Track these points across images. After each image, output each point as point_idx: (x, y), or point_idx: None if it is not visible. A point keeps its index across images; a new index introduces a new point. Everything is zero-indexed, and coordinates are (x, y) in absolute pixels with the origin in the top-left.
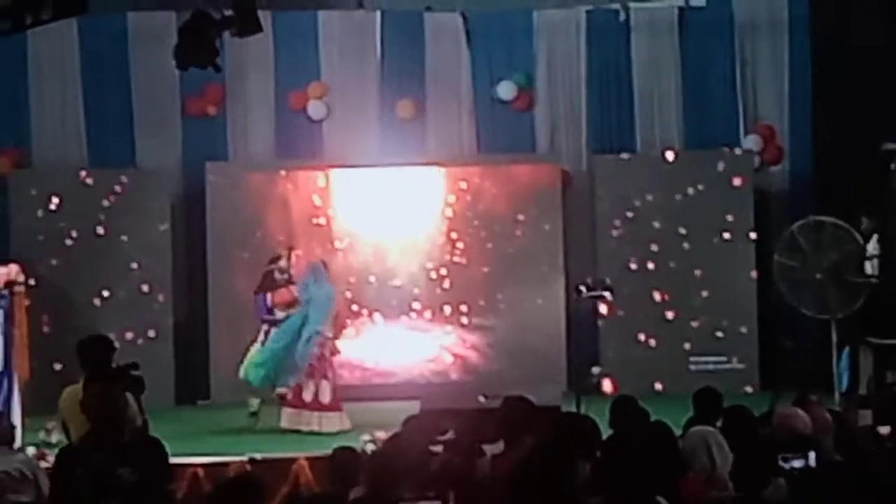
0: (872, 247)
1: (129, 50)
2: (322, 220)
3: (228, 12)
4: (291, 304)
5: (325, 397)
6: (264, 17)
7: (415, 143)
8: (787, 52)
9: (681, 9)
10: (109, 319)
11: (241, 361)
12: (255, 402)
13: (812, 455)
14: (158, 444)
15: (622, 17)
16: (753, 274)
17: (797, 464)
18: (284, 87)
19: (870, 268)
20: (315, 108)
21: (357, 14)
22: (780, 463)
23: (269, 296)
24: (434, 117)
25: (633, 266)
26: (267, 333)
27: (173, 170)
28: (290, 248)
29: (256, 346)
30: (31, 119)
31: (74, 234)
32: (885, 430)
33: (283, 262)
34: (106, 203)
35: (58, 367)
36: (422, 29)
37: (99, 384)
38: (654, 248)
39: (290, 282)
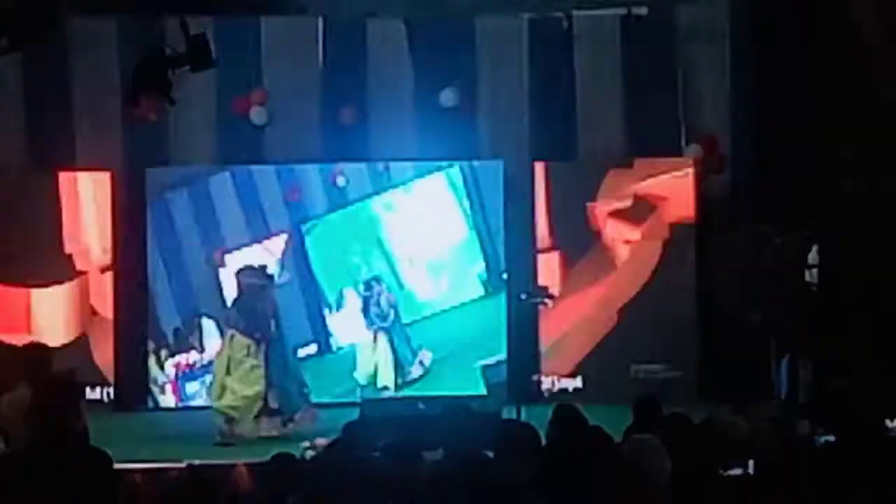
0: (813, 256)
1: (68, 53)
2: None
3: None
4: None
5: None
6: (206, 23)
7: (357, 148)
8: (729, 60)
9: (623, 17)
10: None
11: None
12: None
13: (751, 462)
14: (104, 455)
15: (565, 25)
16: (693, 281)
17: (736, 471)
18: (226, 93)
19: (809, 276)
20: (257, 114)
21: (299, 20)
22: (720, 471)
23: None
24: (376, 124)
25: (574, 272)
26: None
27: (114, 175)
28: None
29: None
30: None
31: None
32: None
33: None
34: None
35: None
36: (364, 35)
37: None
38: (596, 255)
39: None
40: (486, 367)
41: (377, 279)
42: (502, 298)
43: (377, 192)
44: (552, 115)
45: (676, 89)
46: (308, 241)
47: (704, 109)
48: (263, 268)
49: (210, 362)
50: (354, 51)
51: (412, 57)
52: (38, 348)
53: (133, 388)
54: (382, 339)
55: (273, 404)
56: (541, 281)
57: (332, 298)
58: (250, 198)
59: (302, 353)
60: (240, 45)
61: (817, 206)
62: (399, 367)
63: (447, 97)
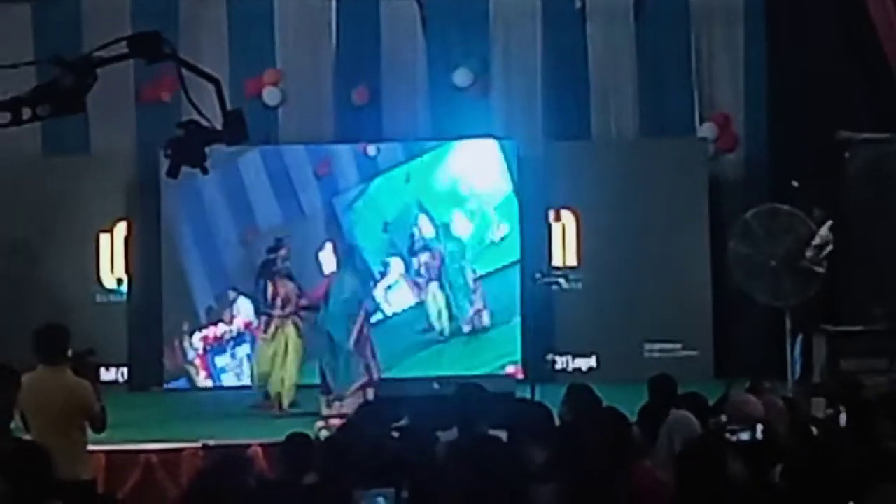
0: (825, 234)
1: (82, 34)
2: None
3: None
4: (288, 302)
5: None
6: (219, 3)
7: (370, 129)
8: (743, 40)
9: None
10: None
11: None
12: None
13: (759, 427)
14: (41, 453)
15: (578, 4)
16: (708, 261)
17: (744, 436)
18: (239, 74)
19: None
20: (270, 95)
21: (312, 0)
22: (728, 436)
23: (269, 286)
24: (390, 104)
25: (588, 252)
26: (267, 327)
27: (127, 155)
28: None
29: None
30: None
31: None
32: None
33: (283, 252)
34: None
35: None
36: (377, 15)
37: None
38: (610, 234)
39: (289, 273)
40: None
41: (421, 239)
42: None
43: (410, 159)
44: (565, 94)
45: (690, 68)
46: (345, 217)
47: (718, 88)
48: None
49: (239, 333)
50: (368, 31)
51: (425, 37)
52: (55, 329)
53: (148, 368)
54: (434, 288)
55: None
56: (555, 262)
57: (376, 269)
58: (280, 176)
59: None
60: (253, 25)
61: (829, 185)
62: (452, 315)
63: (460, 77)
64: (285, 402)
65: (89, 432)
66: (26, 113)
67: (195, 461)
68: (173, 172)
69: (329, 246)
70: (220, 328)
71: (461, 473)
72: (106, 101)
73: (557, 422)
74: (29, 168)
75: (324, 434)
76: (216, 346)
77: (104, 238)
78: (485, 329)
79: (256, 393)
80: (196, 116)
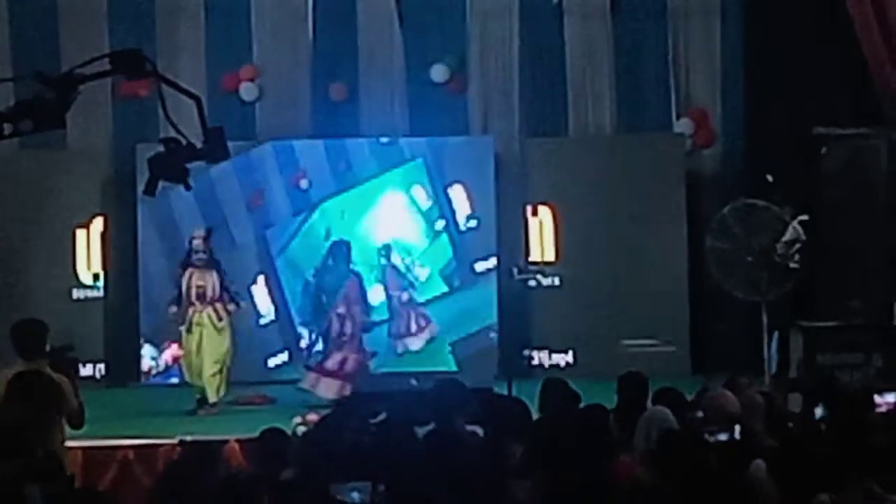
0: (792, 232)
1: (59, 30)
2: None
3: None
4: (202, 296)
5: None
6: None
7: (347, 125)
8: (720, 36)
9: None
10: (42, 298)
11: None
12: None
13: (737, 428)
14: (61, 463)
15: (555, 0)
16: (685, 256)
17: (722, 437)
18: (216, 69)
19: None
20: (247, 90)
21: None
22: (706, 437)
23: (183, 277)
24: (367, 100)
25: (565, 248)
26: (184, 319)
27: (104, 151)
28: (208, 229)
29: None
30: None
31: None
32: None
33: (196, 242)
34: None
35: None
36: (354, 11)
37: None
38: (587, 230)
39: (210, 264)
40: (454, 344)
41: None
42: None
43: (338, 193)
44: (542, 90)
45: (667, 64)
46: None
47: (695, 84)
48: None
49: None
50: (345, 26)
51: (402, 33)
52: (32, 324)
53: (125, 363)
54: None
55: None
56: (532, 258)
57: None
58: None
59: None
60: (230, 21)
61: (807, 180)
62: None
63: (437, 73)
64: (211, 397)
65: (67, 428)
66: (7, 128)
67: (172, 457)
68: (151, 189)
69: (261, 279)
70: None
71: (438, 468)
72: (83, 97)
73: (535, 417)
74: (5, 163)
75: (301, 430)
76: None
77: (80, 234)
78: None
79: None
80: (175, 134)
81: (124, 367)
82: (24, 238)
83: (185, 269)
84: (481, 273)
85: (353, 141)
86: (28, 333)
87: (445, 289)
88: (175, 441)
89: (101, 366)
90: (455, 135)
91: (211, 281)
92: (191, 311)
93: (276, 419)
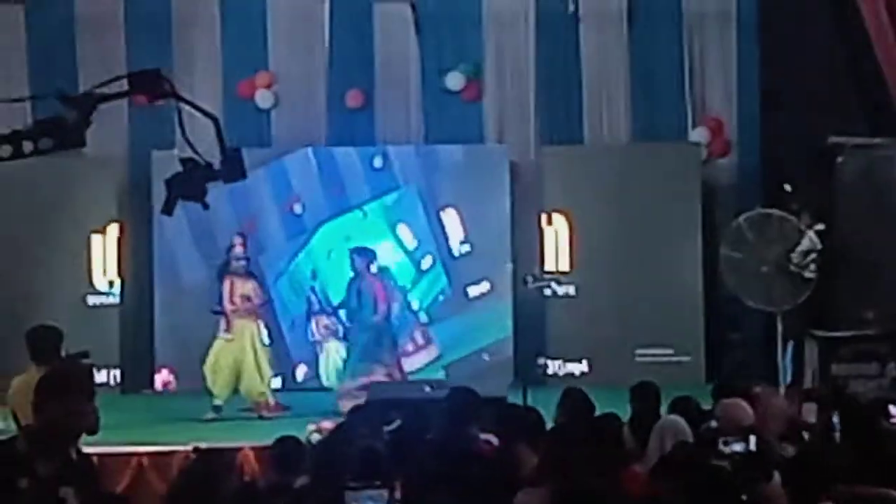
0: (808, 241)
1: (76, 37)
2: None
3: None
4: (248, 304)
5: None
6: (212, 5)
7: (363, 133)
8: (736, 45)
9: (630, 0)
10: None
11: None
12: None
13: (753, 439)
14: (93, 465)
15: (571, 8)
16: (700, 265)
17: (737, 447)
18: (232, 76)
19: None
20: (263, 98)
21: (305, 2)
22: (721, 447)
23: (225, 286)
24: (382, 107)
25: (580, 257)
26: (228, 326)
27: (120, 158)
28: (243, 235)
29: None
30: None
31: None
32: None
33: (237, 249)
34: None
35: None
36: (370, 18)
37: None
38: (602, 239)
39: (248, 271)
40: (448, 367)
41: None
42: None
43: (333, 218)
44: (558, 98)
45: (683, 73)
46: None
47: (711, 93)
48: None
49: None
50: (361, 34)
51: (418, 40)
52: (47, 330)
53: (139, 370)
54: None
55: None
56: (547, 266)
57: None
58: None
59: None
60: (245, 27)
61: (820, 190)
62: None
63: (453, 81)
64: (271, 399)
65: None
66: (28, 146)
67: (186, 464)
68: (168, 209)
69: None
70: None
71: (451, 477)
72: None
73: (549, 426)
74: (21, 169)
75: (315, 438)
76: None
77: (96, 240)
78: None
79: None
80: (192, 154)
81: (139, 374)
82: (41, 244)
83: (223, 278)
84: (475, 298)
85: (347, 158)
86: (42, 339)
87: (426, 320)
88: (189, 448)
89: (116, 372)
90: (470, 143)
91: (253, 288)
92: (236, 318)
93: (290, 427)
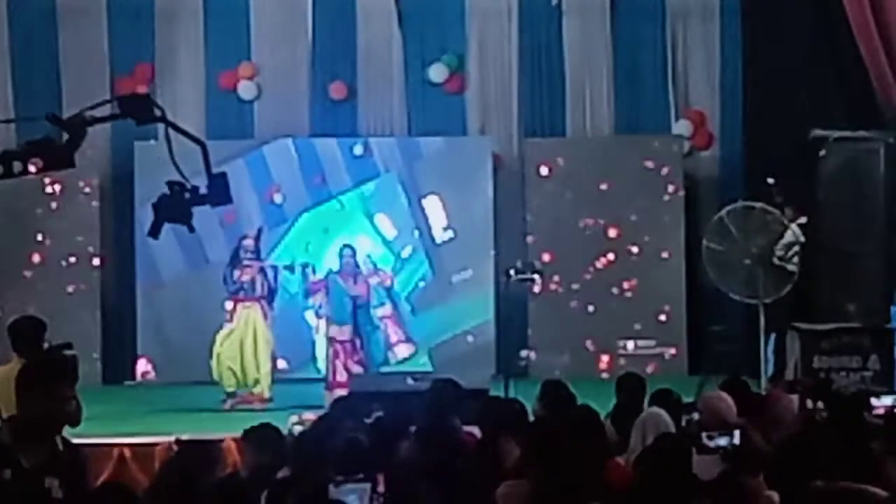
0: (791, 234)
1: (57, 27)
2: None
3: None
4: (251, 292)
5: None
6: None
7: (346, 124)
8: (719, 38)
9: None
10: (39, 295)
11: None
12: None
13: (737, 433)
14: (79, 454)
15: (554, 1)
16: (682, 258)
17: (722, 441)
18: (215, 67)
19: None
20: (245, 89)
21: None
22: (705, 441)
23: (234, 272)
24: (365, 99)
25: (563, 249)
26: (232, 314)
27: (102, 149)
28: (259, 229)
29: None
30: None
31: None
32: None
33: (246, 242)
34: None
35: None
36: (353, 10)
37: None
38: (584, 231)
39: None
40: (433, 349)
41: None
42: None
43: (315, 206)
44: (541, 90)
45: (665, 65)
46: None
47: (693, 86)
48: None
49: None
50: (344, 25)
51: (401, 31)
52: (29, 321)
53: (121, 361)
54: None
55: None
56: (529, 257)
57: None
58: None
59: None
60: (229, 18)
61: (804, 183)
62: None
63: (436, 72)
64: (266, 391)
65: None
66: (17, 167)
67: (168, 455)
68: (155, 232)
69: None
70: None
71: (434, 468)
72: (81, 93)
73: (531, 418)
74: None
75: (297, 429)
76: None
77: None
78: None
79: (226, 390)
80: (179, 177)
81: (120, 366)
82: (24, 234)
83: (233, 267)
84: (458, 284)
85: (327, 148)
86: (25, 330)
87: (410, 309)
88: (172, 439)
89: (98, 363)
90: (453, 135)
91: (259, 278)
92: (240, 306)
93: (273, 419)
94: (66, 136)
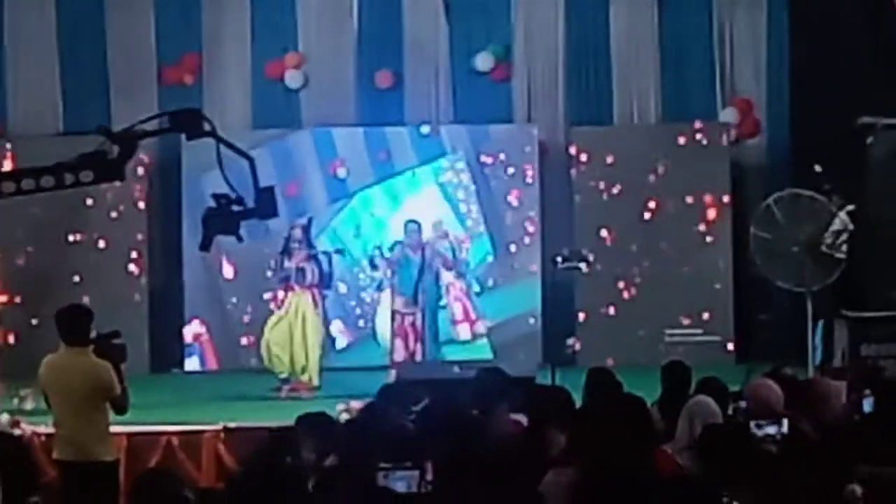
0: (839, 222)
1: (105, 17)
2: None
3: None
4: (301, 280)
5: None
6: None
7: (392, 113)
8: (766, 25)
9: None
10: (84, 287)
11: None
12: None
13: (785, 422)
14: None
15: None
16: (730, 246)
17: (770, 430)
18: (261, 57)
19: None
20: (292, 78)
21: None
22: (753, 430)
23: (284, 260)
24: (411, 88)
25: (609, 237)
26: (282, 303)
27: (149, 139)
28: (310, 219)
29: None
30: (6, 86)
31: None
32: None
33: (295, 231)
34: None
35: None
36: None
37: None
38: (631, 219)
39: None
40: (491, 329)
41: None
42: None
43: (377, 183)
44: (587, 78)
45: (712, 53)
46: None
47: (740, 73)
48: None
49: None
50: (390, 14)
51: (448, 20)
52: (77, 310)
53: (168, 349)
54: None
55: None
56: (576, 245)
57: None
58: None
59: None
60: (275, 8)
61: (852, 170)
62: None
63: (482, 61)
64: (314, 379)
65: (111, 414)
66: (69, 178)
67: (216, 443)
68: (206, 246)
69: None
70: None
71: (481, 457)
72: (128, 83)
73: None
74: (51, 147)
75: (344, 417)
76: None
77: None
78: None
79: (279, 376)
80: (228, 189)
81: (168, 354)
82: (73, 224)
83: (284, 256)
84: (520, 267)
85: (394, 130)
86: (72, 318)
87: (479, 288)
88: (219, 427)
89: (146, 351)
90: (499, 123)
91: (310, 266)
92: (290, 294)
93: (320, 407)
94: (116, 149)
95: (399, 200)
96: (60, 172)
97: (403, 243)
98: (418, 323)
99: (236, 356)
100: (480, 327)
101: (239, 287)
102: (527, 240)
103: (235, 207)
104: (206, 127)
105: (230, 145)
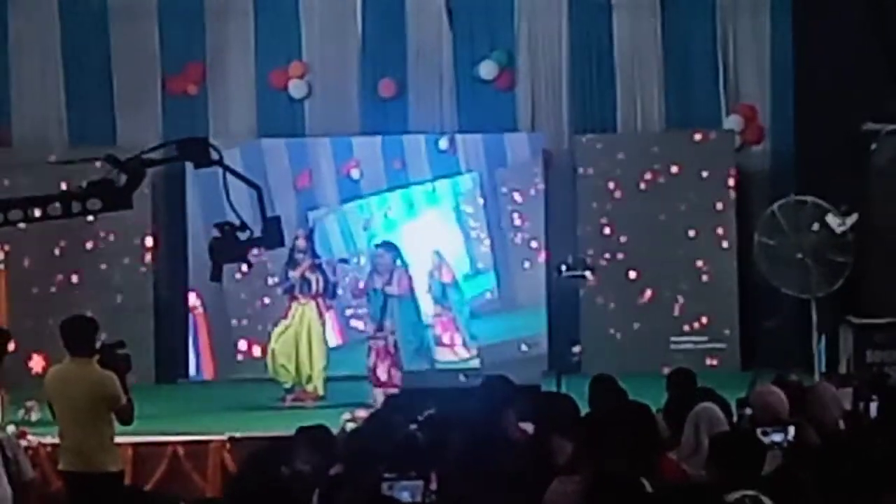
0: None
1: (109, 27)
2: None
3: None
4: (307, 289)
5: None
6: None
7: (396, 122)
8: (769, 32)
9: None
10: (89, 296)
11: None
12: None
13: (791, 429)
14: None
15: None
16: (734, 253)
17: (777, 437)
18: (265, 66)
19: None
20: (296, 87)
21: None
22: (760, 437)
23: (289, 270)
24: (415, 97)
25: (614, 245)
26: (288, 311)
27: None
28: (311, 229)
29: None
30: (10, 97)
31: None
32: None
33: (298, 242)
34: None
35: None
36: (403, 8)
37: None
38: (635, 227)
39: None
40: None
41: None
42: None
43: (390, 189)
44: (591, 87)
45: (716, 60)
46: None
47: (744, 80)
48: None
49: None
50: (393, 23)
51: (451, 29)
52: (82, 321)
53: (174, 359)
54: None
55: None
56: (580, 253)
57: None
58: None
59: None
60: (279, 17)
61: (856, 177)
62: None
63: (486, 69)
64: (319, 389)
65: (116, 424)
66: (76, 207)
67: (222, 453)
68: (216, 276)
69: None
70: None
71: (486, 465)
72: (132, 92)
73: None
74: (56, 154)
75: (350, 427)
76: None
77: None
78: None
79: (283, 386)
80: (234, 217)
81: (173, 364)
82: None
83: (288, 266)
84: (523, 292)
85: (412, 138)
86: (76, 329)
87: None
88: (225, 437)
89: (151, 361)
90: (503, 132)
91: (315, 276)
92: (294, 304)
93: (325, 417)
94: (123, 178)
95: (415, 211)
96: (67, 200)
97: (374, 269)
98: (390, 347)
99: (238, 366)
100: (465, 354)
101: (243, 293)
102: (527, 264)
103: (241, 234)
104: (214, 156)
105: (238, 174)
